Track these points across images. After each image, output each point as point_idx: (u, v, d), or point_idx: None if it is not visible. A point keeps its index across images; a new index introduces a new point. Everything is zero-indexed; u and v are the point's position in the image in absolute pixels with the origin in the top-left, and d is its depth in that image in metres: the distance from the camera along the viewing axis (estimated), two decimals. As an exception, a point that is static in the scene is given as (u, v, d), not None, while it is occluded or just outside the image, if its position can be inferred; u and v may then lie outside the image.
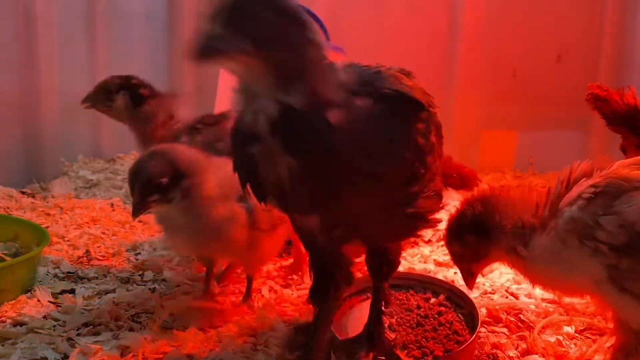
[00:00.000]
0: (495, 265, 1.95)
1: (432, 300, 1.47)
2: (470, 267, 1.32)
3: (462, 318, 1.41)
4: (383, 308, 1.29)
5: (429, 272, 1.87)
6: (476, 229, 1.24)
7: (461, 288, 1.51)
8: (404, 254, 2.02)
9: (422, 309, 1.45)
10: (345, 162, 0.96)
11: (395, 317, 1.43)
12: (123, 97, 1.75)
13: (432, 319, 1.41)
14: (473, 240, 1.25)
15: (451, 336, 1.36)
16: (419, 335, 1.36)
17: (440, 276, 1.83)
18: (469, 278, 1.33)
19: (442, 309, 1.45)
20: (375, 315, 1.29)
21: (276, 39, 0.89)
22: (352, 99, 0.98)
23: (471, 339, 1.31)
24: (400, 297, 1.49)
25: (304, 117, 0.93)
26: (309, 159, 0.95)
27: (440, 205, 1.23)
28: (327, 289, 1.21)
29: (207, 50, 0.86)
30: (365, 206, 1.05)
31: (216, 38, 0.85)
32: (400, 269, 1.85)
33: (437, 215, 1.21)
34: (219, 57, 0.87)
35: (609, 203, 1.08)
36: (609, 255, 1.06)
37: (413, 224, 1.18)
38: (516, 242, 1.19)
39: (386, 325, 1.27)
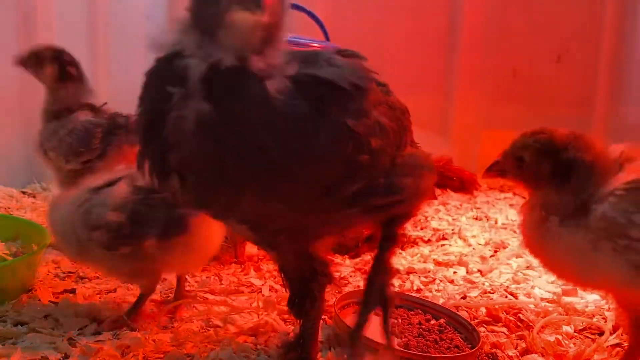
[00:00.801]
0: (495, 264, 1.96)
1: (432, 321, 1.48)
2: (507, 175, 1.27)
3: (463, 338, 1.41)
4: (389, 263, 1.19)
5: (429, 271, 1.87)
6: (560, 159, 1.16)
7: (460, 313, 1.51)
8: (403, 254, 2.03)
9: (424, 325, 1.45)
10: (256, 132, 0.85)
11: (398, 322, 1.44)
12: (52, 68, 1.82)
13: (433, 334, 1.41)
14: (547, 167, 1.18)
15: (452, 349, 1.36)
16: (420, 343, 1.36)
17: (440, 276, 1.84)
18: (497, 174, 1.30)
19: (443, 328, 1.45)
20: (383, 270, 1.18)
21: None
22: (285, 78, 0.88)
23: (473, 350, 1.32)
24: (402, 314, 1.50)
25: (235, 71, 0.85)
26: (221, 109, 0.85)
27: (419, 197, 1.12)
28: (303, 300, 1.14)
29: None
30: (278, 208, 0.92)
31: None
32: (400, 268, 1.86)
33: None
34: None
35: None
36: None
37: (379, 214, 1.07)
38: (562, 207, 1.14)
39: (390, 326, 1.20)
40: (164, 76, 0.89)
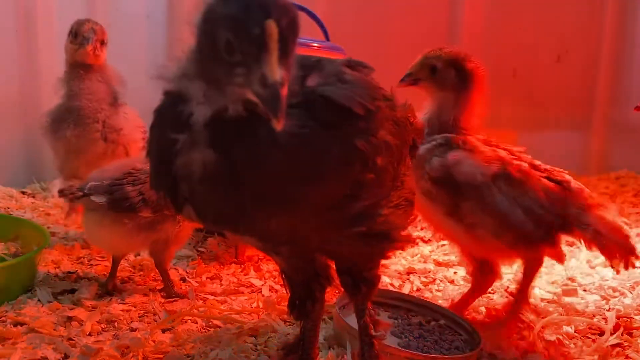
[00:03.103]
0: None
1: (433, 323, 1.48)
2: (420, 83, 1.61)
3: (463, 340, 1.41)
4: (372, 332, 1.17)
5: (429, 271, 1.87)
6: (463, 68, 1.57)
7: (461, 315, 1.51)
8: (403, 254, 2.03)
9: (424, 327, 1.45)
10: (265, 176, 0.84)
11: (399, 324, 1.44)
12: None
13: (434, 335, 1.41)
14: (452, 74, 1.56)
15: (452, 350, 1.36)
16: (421, 344, 1.36)
17: (440, 276, 1.84)
18: (411, 83, 1.62)
19: (443, 329, 1.45)
20: (367, 344, 1.16)
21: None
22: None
23: (473, 352, 1.31)
24: (402, 315, 1.50)
25: (240, 118, 0.83)
26: (228, 157, 0.83)
27: (410, 219, 1.11)
28: (304, 301, 1.14)
29: None
30: (288, 227, 0.92)
31: None
32: (400, 268, 1.86)
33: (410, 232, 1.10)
34: None
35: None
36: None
37: (373, 245, 1.04)
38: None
39: (384, 335, 1.21)
40: (169, 119, 0.89)
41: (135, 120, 1.90)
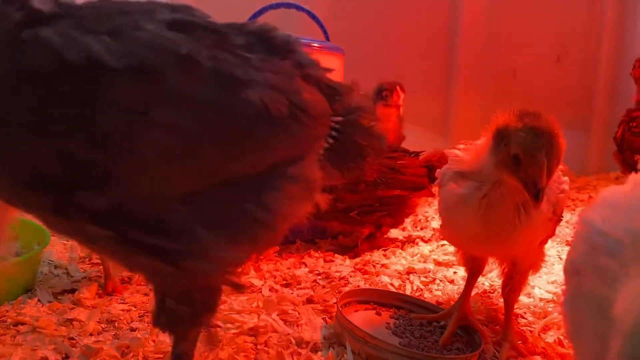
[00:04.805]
0: (495, 264, 1.96)
1: (434, 323, 1.47)
2: None
3: (464, 341, 1.41)
4: None
5: (429, 271, 1.87)
6: None
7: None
8: (403, 254, 2.02)
9: (425, 327, 1.45)
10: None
11: (400, 324, 1.44)
12: None
13: (434, 336, 1.41)
14: None
15: (453, 351, 1.36)
16: (422, 344, 1.36)
17: (440, 276, 1.84)
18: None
19: (444, 330, 1.44)
20: None
21: None
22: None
23: (474, 353, 1.31)
24: (403, 314, 1.50)
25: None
26: None
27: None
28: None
29: None
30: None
31: None
32: (400, 267, 1.86)
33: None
34: None
35: None
36: None
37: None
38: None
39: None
40: None
41: None
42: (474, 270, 1.49)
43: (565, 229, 2.36)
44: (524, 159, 1.11)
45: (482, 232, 1.24)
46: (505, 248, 1.31)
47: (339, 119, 1.02)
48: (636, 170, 1.19)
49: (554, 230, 1.39)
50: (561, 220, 1.36)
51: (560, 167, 1.25)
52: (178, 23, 0.78)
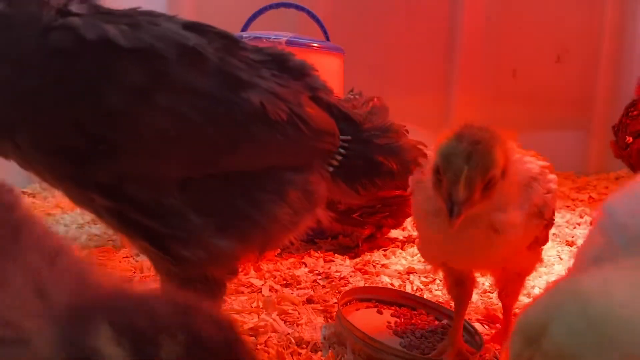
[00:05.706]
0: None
1: (436, 323, 1.47)
2: None
3: (465, 341, 1.41)
4: None
5: (429, 271, 1.87)
6: None
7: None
8: (403, 254, 2.02)
9: (427, 327, 1.45)
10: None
11: (401, 322, 1.44)
12: None
13: (436, 335, 1.41)
14: None
15: None
16: (423, 344, 1.35)
17: (440, 276, 1.84)
18: None
19: (446, 330, 1.44)
20: None
21: None
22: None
23: (476, 353, 1.31)
24: (405, 313, 1.50)
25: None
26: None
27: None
28: None
29: None
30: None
31: None
32: (400, 267, 1.86)
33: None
34: None
35: None
36: None
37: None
38: None
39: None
40: None
41: None
42: (461, 297, 1.29)
43: (565, 229, 2.36)
44: (441, 167, 0.98)
45: (456, 250, 1.11)
46: (485, 261, 1.19)
47: (348, 137, 1.05)
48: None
49: (546, 234, 1.25)
50: (553, 223, 1.25)
51: (545, 163, 1.19)
52: (193, 25, 0.87)
